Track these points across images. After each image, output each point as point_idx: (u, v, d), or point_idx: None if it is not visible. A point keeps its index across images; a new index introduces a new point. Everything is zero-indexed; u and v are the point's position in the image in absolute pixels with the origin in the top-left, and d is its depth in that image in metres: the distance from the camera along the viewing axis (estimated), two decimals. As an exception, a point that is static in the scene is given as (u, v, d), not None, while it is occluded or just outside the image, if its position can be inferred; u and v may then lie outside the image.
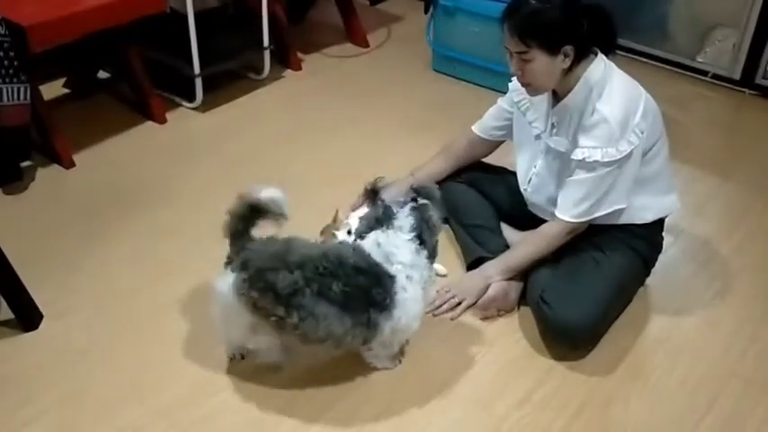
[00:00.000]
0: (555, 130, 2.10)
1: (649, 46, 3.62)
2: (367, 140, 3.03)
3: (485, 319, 2.16)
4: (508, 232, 2.41)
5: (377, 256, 1.79)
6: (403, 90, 3.43)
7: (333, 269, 1.74)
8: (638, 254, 2.14)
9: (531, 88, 2.03)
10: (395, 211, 1.85)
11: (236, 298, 1.74)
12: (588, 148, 1.96)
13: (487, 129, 2.37)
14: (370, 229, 1.85)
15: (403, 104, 3.30)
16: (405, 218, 1.83)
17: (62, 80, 3.26)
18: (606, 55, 2.03)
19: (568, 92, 2.01)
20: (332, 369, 1.99)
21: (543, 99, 2.13)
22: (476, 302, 2.16)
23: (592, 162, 1.96)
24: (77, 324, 2.12)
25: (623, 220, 2.10)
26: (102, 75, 3.36)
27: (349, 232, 2.06)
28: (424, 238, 1.83)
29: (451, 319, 2.16)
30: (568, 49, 1.91)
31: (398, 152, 2.91)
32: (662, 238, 2.23)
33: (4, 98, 2.50)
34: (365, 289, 1.75)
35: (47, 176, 2.75)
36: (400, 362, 2.01)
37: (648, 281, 2.26)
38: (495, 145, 2.41)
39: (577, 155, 1.98)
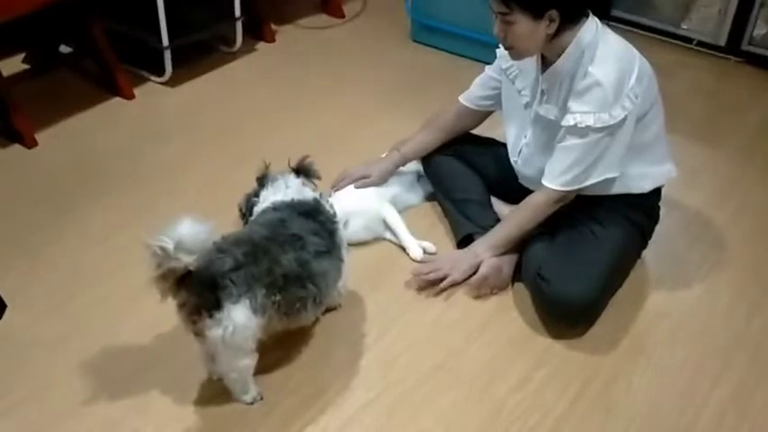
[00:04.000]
0: (545, 98, 2.00)
1: (633, 13, 3.51)
2: (344, 114, 2.91)
3: (477, 297, 2.06)
4: (499, 206, 2.32)
5: (295, 195, 1.81)
6: (381, 62, 3.30)
7: (305, 225, 1.73)
8: (636, 225, 2.06)
9: (514, 52, 1.92)
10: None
11: (259, 317, 1.59)
12: (580, 114, 1.86)
13: (475, 98, 2.26)
14: (255, 193, 1.91)
15: (381, 76, 3.18)
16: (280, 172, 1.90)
17: (21, 56, 3.08)
18: (600, 18, 1.92)
19: (558, 57, 1.91)
20: (320, 354, 1.88)
21: (532, 66, 2.03)
22: (462, 280, 2.06)
23: (583, 128, 1.86)
24: (44, 314, 1.98)
25: (619, 190, 2.01)
26: (65, 49, 3.18)
27: None
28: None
29: (435, 294, 2.06)
30: (554, 13, 1.80)
31: (376, 125, 2.80)
32: (659, 208, 2.15)
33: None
34: (322, 225, 1.77)
35: (7, 157, 2.59)
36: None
37: (644, 253, 2.17)
38: (483, 115, 2.30)
39: (568, 120, 1.88)
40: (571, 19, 1.85)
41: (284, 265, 1.62)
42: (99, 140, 2.71)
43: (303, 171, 1.94)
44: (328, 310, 1.97)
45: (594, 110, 1.84)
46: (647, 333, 1.99)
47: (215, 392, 1.75)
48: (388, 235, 2.26)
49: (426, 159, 2.37)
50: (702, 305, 2.08)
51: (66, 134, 2.71)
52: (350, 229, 2.19)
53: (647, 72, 1.91)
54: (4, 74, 2.80)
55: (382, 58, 3.33)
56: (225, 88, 3.07)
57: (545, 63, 1.97)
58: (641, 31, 3.52)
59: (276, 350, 1.83)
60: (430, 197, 2.42)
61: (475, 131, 2.37)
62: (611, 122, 1.84)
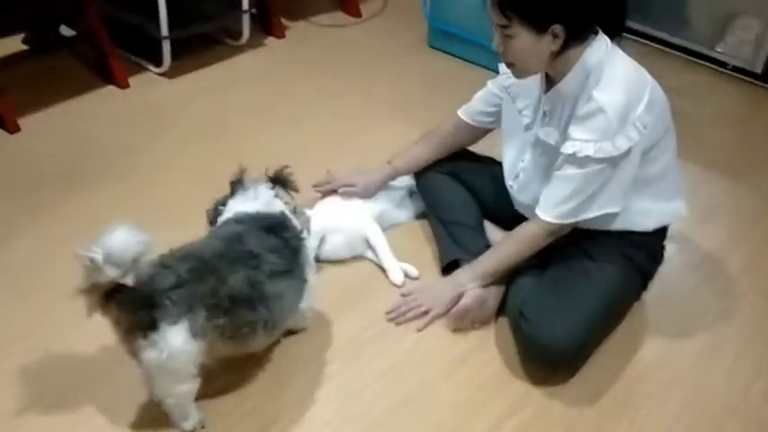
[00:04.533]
0: (546, 120, 1.83)
1: (665, 32, 3.33)
2: (348, 118, 2.76)
3: (457, 331, 1.90)
4: (493, 232, 2.15)
5: (261, 208, 1.67)
6: (393, 66, 3.15)
7: (261, 242, 1.58)
8: (635, 265, 1.88)
9: (516, 69, 1.76)
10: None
11: (199, 341, 1.45)
12: (580, 141, 1.69)
13: (474, 113, 2.10)
14: (225, 199, 1.75)
15: (392, 81, 3.03)
16: (254, 180, 1.74)
17: (21, 36, 2.99)
18: (611, 38, 1.75)
19: (563, 77, 1.74)
20: (276, 381, 1.74)
21: (535, 85, 1.86)
22: (445, 313, 1.90)
23: (583, 157, 1.69)
24: (-5, 311, 1.87)
25: (619, 225, 1.84)
26: (68, 32, 3.08)
27: None
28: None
29: (417, 330, 1.90)
30: (558, 28, 1.63)
31: (380, 133, 2.65)
32: (663, 249, 1.97)
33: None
34: (285, 242, 1.62)
35: (-17, 143, 2.50)
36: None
37: (644, 294, 1.99)
38: (481, 132, 2.14)
39: (567, 148, 1.71)
40: (578, 36, 1.68)
41: (231, 286, 1.48)
42: (85, 130, 2.60)
43: (280, 182, 1.79)
44: (292, 332, 1.83)
45: (596, 138, 1.68)
46: (638, 385, 1.81)
47: (154, 416, 1.61)
48: (369, 254, 2.11)
49: (420, 175, 2.21)
50: (702, 360, 1.90)
51: (51, 121, 2.61)
52: (328, 246, 2.05)
53: (659, 100, 1.74)
54: (0, 54, 2.72)
55: (395, 62, 3.18)
56: (225, 83, 2.94)
57: (549, 83, 1.81)
58: (673, 51, 3.33)
59: (227, 373, 1.69)
60: (422, 215, 2.26)
61: (474, 149, 2.21)
62: (614, 153, 1.67)
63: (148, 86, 2.85)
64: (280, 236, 1.63)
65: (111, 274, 1.33)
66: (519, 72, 1.78)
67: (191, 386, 1.52)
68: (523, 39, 1.66)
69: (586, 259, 1.85)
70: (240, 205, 1.71)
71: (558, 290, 1.81)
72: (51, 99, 2.69)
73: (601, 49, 1.70)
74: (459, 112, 2.13)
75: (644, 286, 1.97)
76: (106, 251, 1.32)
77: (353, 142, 2.60)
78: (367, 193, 2.17)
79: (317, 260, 2.04)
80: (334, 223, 2.07)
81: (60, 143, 2.51)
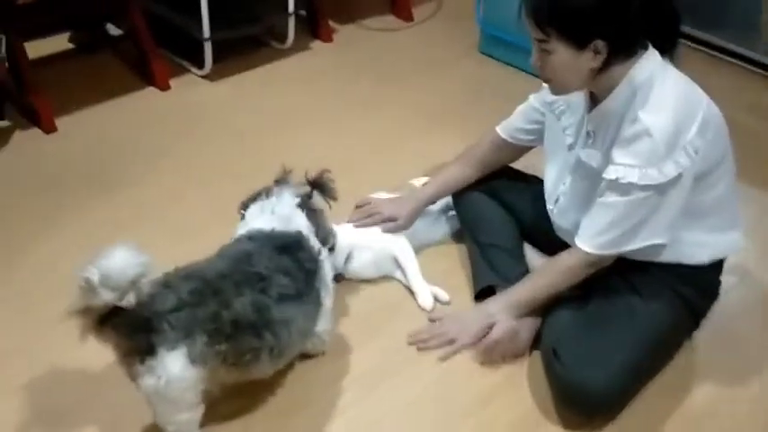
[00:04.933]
0: (590, 141, 1.69)
1: (735, 43, 3.10)
2: (391, 127, 2.65)
3: (485, 364, 1.77)
4: (533, 256, 2.01)
5: (278, 224, 1.58)
6: (441, 73, 3.02)
7: (271, 264, 1.48)
8: (686, 301, 1.71)
9: (554, 86, 1.62)
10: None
11: (199, 368, 1.36)
12: (623, 167, 1.54)
13: (513, 130, 1.96)
14: (249, 201, 1.67)
15: (440, 89, 2.90)
16: (286, 192, 1.65)
17: (67, 35, 2.97)
18: (662, 53, 1.59)
19: (607, 95, 1.59)
20: (288, 409, 1.64)
21: (581, 101, 1.72)
22: (473, 344, 1.77)
23: (626, 184, 1.54)
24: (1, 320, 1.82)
25: (669, 257, 1.67)
26: (115, 31, 3.05)
27: None
28: (308, 212, 1.64)
29: (441, 359, 1.77)
30: (600, 44, 1.48)
31: (423, 143, 2.53)
32: (718, 284, 1.79)
33: (-26, 51, 2.22)
34: (299, 264, 1.52)
35: (22, 140, 2.47)
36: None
37: (696, 334, 1.82)
38: (521, 150, 2.00)
39: (610, 173, 1.56)
40: (622, 52, 1.53)
41: (235, 309, 1.38)
42: (121, 132, 2.55)
43: (319, 187, 1.71)
44: (308, 356, 1.73)
45: (640, 164, 1.52)
46: (683, 436, 1.65)
47: None
48: (397, 274, 1.99)
49: (457, 194, 2.08)
50: (757, 411, 1.71)
51: (88, 121, 2.57)
52: (354, 263, 1.95)
53: (715, 122, 1.57)
54: (47, 52, 2.72)
55: (444, 69, 3.05)
56: (267, 87, 2.86)
57: (593, 101, 1.66)
58: (744, 64, 3.09)
59: (236, 398, 1.60)
60: (458, 234, 2.13)
61: (516, 166, 2.07)
62: (661, 180, 1.52)
63: (189, 89, 2.80)
64: (294, 256, 1.53)
65: (106, 297, 1.25)
66: (557, 89, 1.64)
67: (192, 414, 1.43)
68: (562, 54, 1.52)
69: (631, 293, 1.69)
70: (256, 218, 1.62)
71: (597, 327, 1.65)
72: (91, 99, 2.65)
73: (650, 65, 1.55)
74: (498, 129, 1.99)
75: (695, 324, 1.80)
76: (103, 272, 1.24)
77: (392, 152, 2.48)
78: (410, 225, 2.03)
79: (342, 278, 1.94)
80: (361, 240, 1.96)
81: (95, 145, 2.47)
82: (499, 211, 2.01)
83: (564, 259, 1.71)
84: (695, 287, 1.72)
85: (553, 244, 1.83)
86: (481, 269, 1.95)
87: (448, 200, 2.11)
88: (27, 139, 2.47)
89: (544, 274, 1.76)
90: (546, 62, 1.56)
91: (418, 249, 2.04)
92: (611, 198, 1.58)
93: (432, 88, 2.89)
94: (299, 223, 1.62)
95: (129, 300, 1.29)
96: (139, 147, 2.48)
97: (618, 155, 1.55)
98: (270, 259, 1.49)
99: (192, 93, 2.78)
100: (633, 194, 1.55)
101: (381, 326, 1.86)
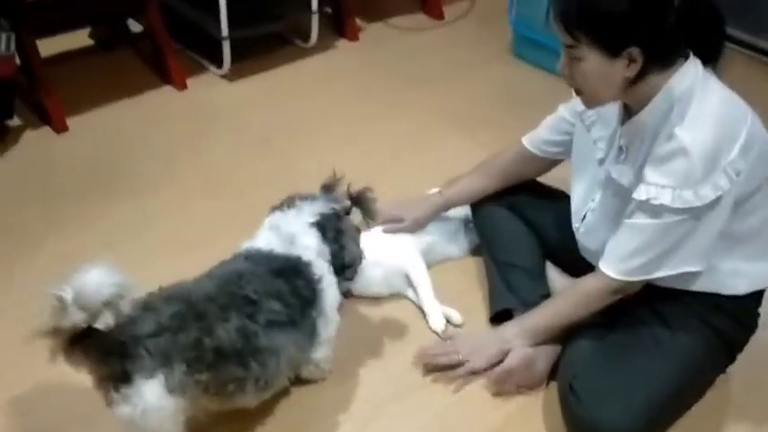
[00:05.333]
0: (622, 157, 1.54)
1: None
2: (411, 131, 2.53)
3: (498, 395, 1.64)
4: (555, 277, 1.87)
5: (278, 244, 1.47)
6: (472, 75, 2.88)
7: (261, 287, 1.37)
8: (720, 334, 1.56)
9: (584, 97, 1.49)
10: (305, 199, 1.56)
11: (177, 398, 1.26)
12: (655, 187, 1.40)
13: (540, 142, 1.82)
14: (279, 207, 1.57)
15: (468, 93, 2.76)
16: (310, 205, 1.53)
17: (87, 30, 2.91)
18: (705, 63, 1.44)
19: (642, 107, 1.45)
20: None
21: (614, 113, 1.58)
22: (484, 369, 1.64)
23: (657, 205, 1.40)
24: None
25: (704, 287, 1.53)
26: (137, 27, 2.98)
27: None
28: (327, 233, 1.51)
29: (454, 388, 1.65)
30: (635, 51, 1.34)
31: (447, 151, 2.40)
32: (757, 316, 1.63)
33: (-18, 48, 2.16)
34: (294, 290, 1.41)
35: (33, 139, 2.41)
36: (330, 371, 1.65)
37: (731, 369, 1.67)
38: (548, 164, 1.86)
39: (640, 193, 1.42)
40: (660, 60, 1.39)
41: (219, 336, 1.28)
42: (135, 132, 2.47)
43: (360, 204, 1.59)
44: (306, 383, 1.62)
45: (674, 185, 1.38)
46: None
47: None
48: (409, 293, 1.87)
49: (476, 206, 1.95)
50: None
51: (101, 121, 2.50)
52: (363, 280, 1.83)
53: (760, 141, 1.41)
54: (65, 48, 2.66)
55: (474, 71, 2.91)
56: (288, 88, 2.76)
57: (628, 112, 1.52)
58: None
59: (228, 422, 1.50)
60: (478, 250, 2.00)
61: (542, 178, 1.93)
62: (696, 204, 1.37)
63: (207, 88, 2.71)
64: (290, 282, 1.41)
65: (77, 317, 1.16)
66: (588, 101, 1.50)
67: (173, 444, 1.33)
68: (593, 62, 1.38)
69: (658, 324, 1.55)
70: (262, 233, 1.52)
71: (618, 360, 1.52)
72: (105, 98, 2.58)
73: (690, 75, 1.40)
74: (524, 140, 1.86)
75: (731, 358, 1.64)
76: (76, 291, 1.15)
77: (412, 159, 2.37)
78: (416, 228, 1.92)
79: (350, 295, 1.83)
80: (371, 254, 1.83)
81: (106, 146, 2.40)
82: (520, 228, 1.88)
83: (586, 284, 1.58)
84: (731, 319, 1.57)
85: (578, 265, 1.69)
86: (498, 290, 1.82)
87: (468, 213, 1.99)
88: (37, 139, 2.40)
89: (564, 299, 1.63)
90: (576, 70, 1.43)
91: (434, 265, 1.92)
92: (641, 220, 1.44)
93: (460, 92, 2.76)
94: (306, 244, 1.49)
95: (108, 321, 1.19)
96: (152, 148, 2.40)
97: (650, 173, 1.41)
98: (262, 282, 1.38)
99: (209, 93, 2.69)
100: (665, 217, 1.40)
101: (389, 348, 1.75)
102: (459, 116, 2.61)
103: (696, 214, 1.39)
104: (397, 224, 1.90)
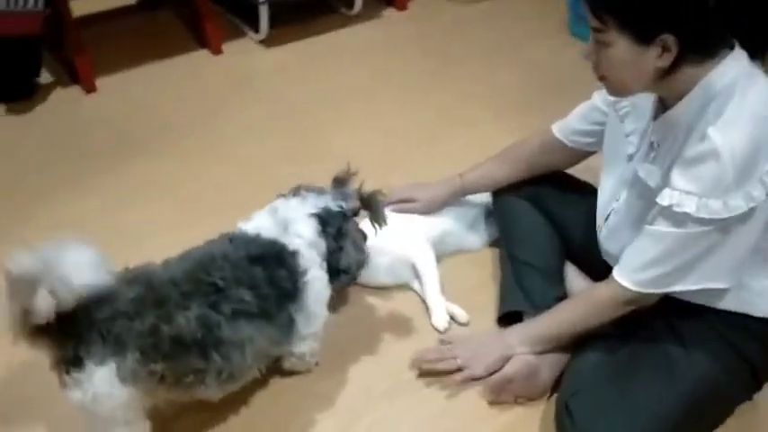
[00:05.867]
0: (653, 155, 1.38)
1: None
2: (452, 111, 2.39)
3: (495, 404, 1.52)
4: (576, 279, 1.72)
5: (270, 228, 1.40)
6: (522, 53, 2.71)
7: (230, 274, 1.28)
8: (745, 359, 1.39)
9: (609, 85, 1.33)
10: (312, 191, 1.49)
11: (129, 387, 1.19)
12: (680, 192, 1.24)
13: (570, 131, 1.67)
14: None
15: (513, 71, 2.60)
16: (316, 197, 1.46)
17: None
18: (753, 55, 1.26)
19: (676, 101, 1.29)
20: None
21: (649, 104, 1.41)
22: (484, 376, 1.52)
23: (680, 213, 1.24)
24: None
25: (730, 305, 1.37)
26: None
27: None
28: (328, 229, 1.43)
29: (448, 393, 1.54)
30: (669, 39, 1.18)
31: (482, 134, 2.25)
32: (792, 341, 1.45)
33: (11, 3, 2.12)
34: (272, 280, 1.33)
35: (61, 98, 2.39)
36: (317, 363, 1.56)
37: (759, 396, 1.50)
38: (576, 155, 1.70)
39: (663, 198, 1.26)
40: (697, 50, 1.22)
41: (178, 325, 1.20)
42: (165, 96, 2.42)
43: (369, 207, 1.51)
44: (292, 372, 1.54)
45: (701, 192, 1.22)
46: None
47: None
48: (416, 285, 1.76)
49: (497, 195, 1.82)
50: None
51: (131, 83, 2.46)
52: (367, 269, 1.71)
53: (807, 148, 1.23)
54: (107, 7, 2.61)
55: (524, 49, 2.74)
56: (325, 57, 2.66)
57: (663, 105, 1.36)
58: None
59: (200, 411, 1.44)
60: (498, 243, 1.86)
61: (572, 170, 1.78)
62: (723, 216, 1.21)
63: (243, 54, 2.63)
64: (268, 271, 1.32)
65: (43, 305, 1.09)
66: (613, 89, 1.34)
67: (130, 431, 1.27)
68: (621, 49, 1.23)
69: (674, 342, 1.40)
70: (259, 215, 1.44)
71: (624, 380, 1.37)
72: (138, 59, 2.55)
73: (733, 69, 1.23)
74: (554, 128, 1.71)
75: (757, 385, 1.47)
76: (46, 270, 1.08)
77: (441, 142, 2.23)
78: (428, 210, 1.81)
79: (353, 283, 1.73)
80: (377, 241, 1.73)
81: (134, 108, 2.36)
82: (541, 223, 1.73)
83: (598, 292, 1.44)
84: (759, 343, 1.40)
85: (600, 269, 1.53)
86: (509, 290, 1.68)
87: (490, 201, 1.85)
88: (66, 98, 2.39)
89: (574, 306, 1.49)
90: (602, 56, 1.27)
91: (450, 254, 1.80)
92: (662, 228, 1.29)
93: (507, 71, 2.60)
94: (299, 233, 1.41)
95: (68, 301, 1.13)
96: (179, 113, 2.34)
97: (677, 177, 1.25)
98: (235, 269, 1.29)
99: (244, 58, 2.61)
100: (688, 227, 1.25)
101: (385, 343, 1.65)
102: (497, 99, 2.45)
103: (724, 226, 1.23)
104: (408, 204, 1.79)
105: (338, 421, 1.48)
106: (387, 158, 2.05)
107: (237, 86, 2.48)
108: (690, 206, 1.23)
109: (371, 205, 1.51)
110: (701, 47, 1.22)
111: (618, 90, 1.34)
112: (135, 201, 2.00)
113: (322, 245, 1.44)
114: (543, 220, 1.74)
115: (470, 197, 1.87)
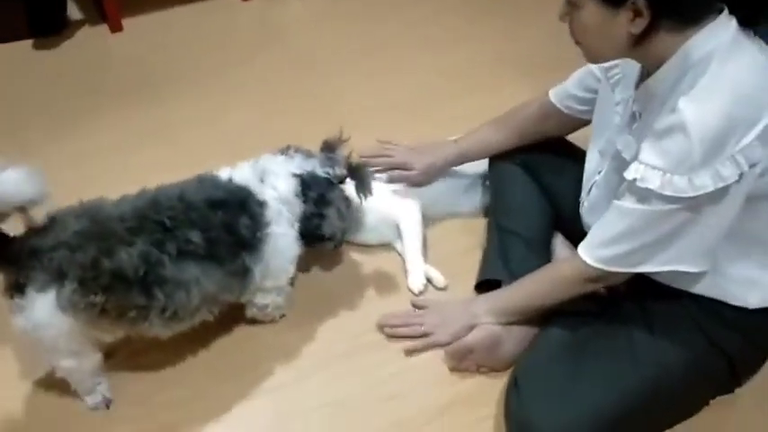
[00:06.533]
0: (635, 125, 1.31)
1: None
2: (472, 71, 2.32)
3: (456, 371, 1.49)
4: (562, 250, 1.65)
5: (245, 177, 1.39)
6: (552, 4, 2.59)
7: (181, 215, 1.27)
8: (721, 351, 1.31)
9: (583, 49, 1.25)
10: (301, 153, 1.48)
11: (69, 317, 1.21)
12: (645, 166, 1.16)
13: (564, 96, 1.59)
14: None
15: (545, 30, 2.46)
16: (304, 159, 1.45)
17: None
18: (745, 24, 1.16)
19: (656, 69, 1.20)
20: (211, 376, 1.47)
21: (636, 73, 1.33)
22: (447, 343, 1.49)
23: (643, 189, 1.17)
24: None
25: (706, 290, 1.29)
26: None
27: None
28: (310, 193, 1.42)
29: (406, 352, 1.51)
30: (640, 2, 1.10)
31: (500, 98, 2.14)
32: (773, 335, 1.36)
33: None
34: (230, 226, 1.32)
35: (88, 35, 2.43)
36: (284, 315, 1.56)
37: (743, 391, 1.41)
38: (571, 123, 1.62)
39: (630, 171, 1.19)
40: (672, 15, 1.13)
41: (120, 260, 1.21)
42: (189, 40, 2.43)
43: (357, 177, 1.48)
44: (254, 321, 1.54)
45: (666, 167, 1.14)
46: None
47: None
48: (399, 246, 1.73)
49: (492, 160, 1.76)
50: None
51: (158, 25, 2.48)
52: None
53: (789, 128, 1.13)
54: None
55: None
56: (358, 9, 2.61)
57: (646, 74, 1.28)
58: None
59: (161, 350, 1.45)
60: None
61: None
62: (688, 194, 1.13)
63: (274, 1, 2.60)
64: (228, 215, 1.32)
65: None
66: (587, 54, 1.27)
67: (77, 362, 1.30)
68: (591, 12, 1.16)
69: (641, 327, 1.33)
70: (245, 167, 1.44)
71: (578, 361, 1.31)
72: (167, 2, 2.55)
73: (716, 37, 1.14)
74: (551, 93, 1.63)
75: (735, 381, 1.39)
76: None
77: (461, 100, 2.17)
78: (426, 180, 1.76)
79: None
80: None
81: (158, 50, 2.37)
82: (532, 193, 1.67)
83: (561, 267, 1.39)
84: (740, 334, 1.32)
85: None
86: (491, 257, 1.63)
87: (486, 167, 1.79)
88: (92, 35, 2.42)
89: (536, 281, 1.43)
90: (575, 19, 1.21)
91: (442, 219, 1.76)
92: (627, 203, 1.22)
93: (535, 28, 2.47)
94: (275, 186, 1.40)
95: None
96: (202, 57, 2.35)
97: (644, 150, 1.18)
98: (188, 210, 1.29)
99: (275, 6, 2.59)
100: (653, 204, 1.17)
101: (360, 302, 1.63)
102: (526, 55, 2.35)
103: (692, 206, 1.15)
104: (404, 172, 1.75)
105: (290, 375, 1.48)
106: (402, 113, 2.01)
107: (264, 36, 2.47)
108: (654, 182, 1.15)
109: (359, 176, 1.48)
110: (676, 12, 1.13)
111: (592, 56, 1.27)
112: (148, 141, 2.02)
113: (298, 205, 1.43)
114: (535, 188, 1.67)
115: (469, 163, 1.81)
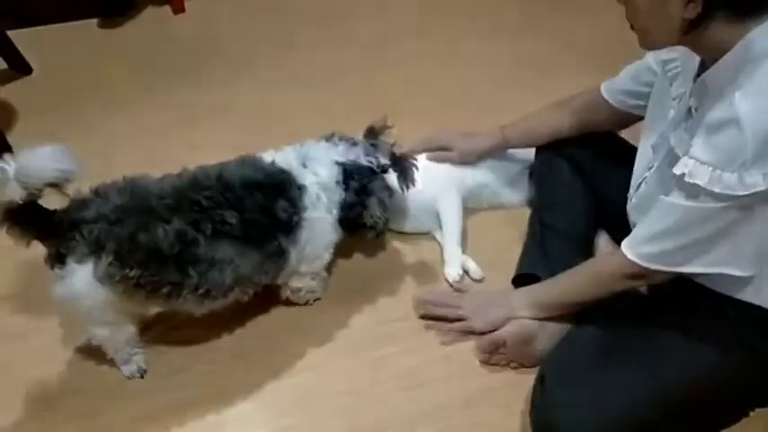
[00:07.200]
0: (690, 121, 1.26)
1: None
2: (539, 57, 2.28)
3: (487, 364, 1.47)
4: (605, 247, 1.61)
5: (288, 160, 1.40)
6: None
7: (218, 196, 1.29)
8: (762, 361, 1.26)
9: (638, 34, 1.21)
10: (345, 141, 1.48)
11: (105, 289, 1.25)
12: (695, 162, 1.12)
13: (617, 91, 1.55)
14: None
15: (617, 17, 2.41)
16: (347, 148, 1.45)
17: None
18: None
19: (713, 62, 1.16)
20: (241, 352, 1.49)
21: (695, 66, 1.28)
22: (482, 333, 1.47)
23: (691, 184, 1.12)
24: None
25: (750, 297, 1.24)
26: None
27: None
28: (351, 183, 1.41)
29: (441, 342, 1.50)
30: None
31: (567, 87, 2.12)
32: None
33: None
34: (267, 208, 1.33)
35: (152, 16, 2.48)
36: (318, 299, 1.58)
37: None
38: (622, 118, 1.58)
39: (679, 166, 1.15)
40: (728, 4, 1.09)
41: (156, 237, 1.23)
42: (249, 23, 2.47)
43: (400, 168, 1.49)
44: (290, 302, 1.55)
45: (716, 163, 1.10)
46: None
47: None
48: (438, 235, 1.71)
49: (539, 151, 1.73)
50: None
51: (219, 8, 2.51)
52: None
53: None
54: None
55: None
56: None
57: (704, 69, 1.23)
58: None
59: (194, 327, 1.48)
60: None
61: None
62: (738, 192, 1.08)
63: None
64: (267, 197, 1.33)
65: (14, 193, 1.16)
66: (641, 39, 1.22)
67: (112, 332, 1.34)
68: None
69: (675, 329, 1.29)
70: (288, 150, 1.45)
71: (606, 363, 1.28)
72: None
73: None
74: (603, 86, 1.59)
75: (771, 388, 1.33)
76: (19, 167, 1.15)
77: (526, 87, 2.14)
78: (464, 161, 1.75)
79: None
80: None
81: (217, 32, 2.42)
82: (577, 187, 1.64)
83: (602, 263, 1.36)
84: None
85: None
86: (531, 252, 1.61)
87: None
88: (155, 16, 2.48)
89: (576, 276, 1.40)
90: (629, 2, 1.17)
91: (486, 210, 1.75)
92: (675, 199, 1.18)
93: (608, 15, 2.40)
94: (316, 171, 1.42)
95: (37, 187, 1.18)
96: (257, 44, 2.37)
97: (696, 145, 1.14)
98: (225, 191, 1.30)
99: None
100: (701, 201, 1.13)
101: (396, 290, 1.63)
102: (595, 47, 2.29)
103: (741, 205, 1.11)
104: (444, 153, 1.74)
105: (320, 357, 1.49)
106: (465, 97, 1.99)
107: (326, 15, 2.48)
108: (702, 177, 1.11)
109: (402, 168, 1.49)
110: (732, 2, 1.08)
111: (645, 40, 1.22)
112: (201, 120, 2.06)
113: (338, 193, 1.43)
114: (580, 183, 1.64)
115: (516, 152, 1.78)
